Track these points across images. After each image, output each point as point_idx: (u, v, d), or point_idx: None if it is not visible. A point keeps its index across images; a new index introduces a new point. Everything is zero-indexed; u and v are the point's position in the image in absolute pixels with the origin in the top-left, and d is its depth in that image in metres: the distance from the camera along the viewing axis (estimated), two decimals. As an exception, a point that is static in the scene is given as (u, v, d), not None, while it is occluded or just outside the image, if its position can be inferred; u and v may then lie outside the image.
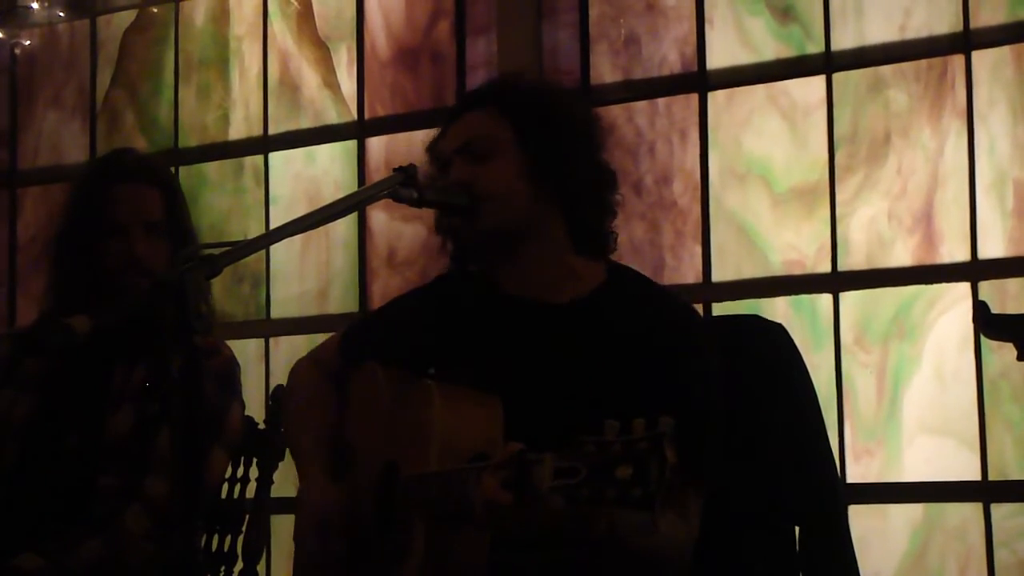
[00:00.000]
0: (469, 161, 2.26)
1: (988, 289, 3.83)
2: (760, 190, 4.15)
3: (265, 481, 2.86)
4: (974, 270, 3.85)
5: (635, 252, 4.22)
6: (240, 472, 2.90)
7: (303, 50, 4.88)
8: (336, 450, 2.36)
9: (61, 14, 5.13)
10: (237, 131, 4.96)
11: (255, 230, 4.82)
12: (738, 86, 4.20)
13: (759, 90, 4.18)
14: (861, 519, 3.84)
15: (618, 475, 1.68)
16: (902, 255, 3.96)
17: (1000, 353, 3.75)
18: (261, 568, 2.86)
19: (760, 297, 4.09)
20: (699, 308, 4.12)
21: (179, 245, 2.72)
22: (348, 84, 4.78)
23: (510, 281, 2.30)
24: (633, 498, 1.67)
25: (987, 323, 2.78)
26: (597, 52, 4.40)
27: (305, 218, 2.03)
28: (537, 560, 2.10)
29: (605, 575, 2.09)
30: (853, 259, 4.01)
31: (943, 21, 3.96)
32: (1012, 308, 3.75)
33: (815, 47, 4.11)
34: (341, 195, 2.19)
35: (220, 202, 4.96)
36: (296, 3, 4.91)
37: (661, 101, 4.31)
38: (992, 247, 3.85)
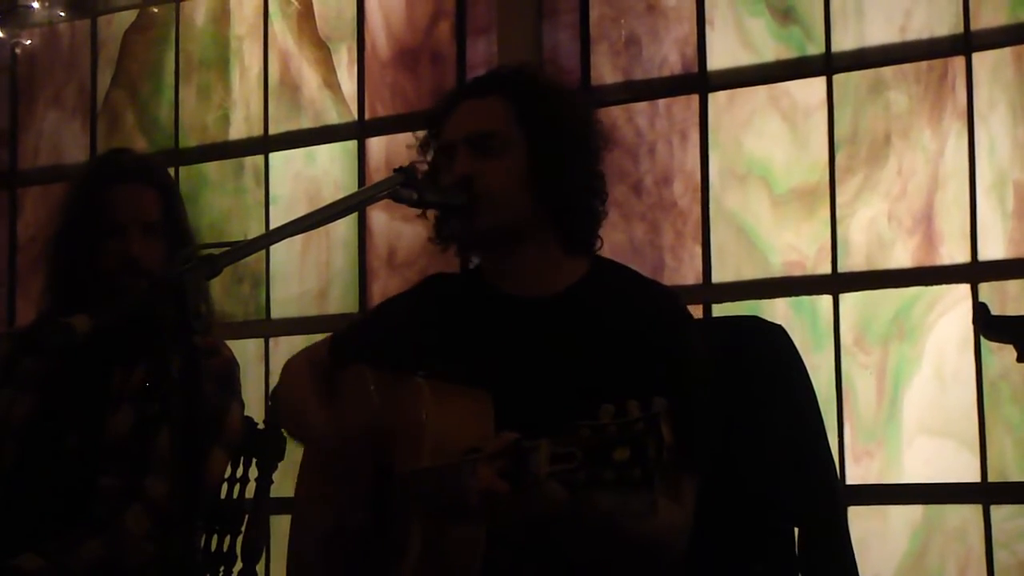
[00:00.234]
0: (476, 154, 2.26)
1: (988, 291, 3.83)
2: (760, 191, 4.15)
3: (264, 481, 2.86)
4: (974, 271, 3.85)
5: (635, 253, 4.22)
6: (240, 472, 2.90)
7: (303, 50, 4.88)
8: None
9: (62, 14, 5.13)
10: (237, 131, 4.96)
11: (255, 230, 4.82)
12: (738, 87, 4.20)
13: (760, 91, 4.18)
14: (861, 520, 3.84)
15: (615, 457, 1.69)
16: (902, 256, 3.96)
17: (1000, 354, 3.74)
18: (260, 568, 2.86)
19: (760, 298, 4.09)
20: (699, 309, 4.13)
21: (177, 245, 2.72)
22: (348, 84, 4.78)
23: (498, 278, 2.31)
24: (632, 479, 1.67)
25: (987, 324, 2.78)
26: (597, 53, 4.40)
27: (305, 218, 2.03)
28: (535, 561, 2.10)
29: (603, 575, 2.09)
30: (853, 260, 4.01)
31: (943, 22, 3.96)
32: (1012, 310, 3.75)
33: (815, 48, 4.11)
34: (341, 195, 2.19)
35: (220, 202, 4.96)
36: (296, 3, 4.91)
37: (661, 102, 4.30)
38: (992, 248, 3.85)
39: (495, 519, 1.96)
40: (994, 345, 3.58)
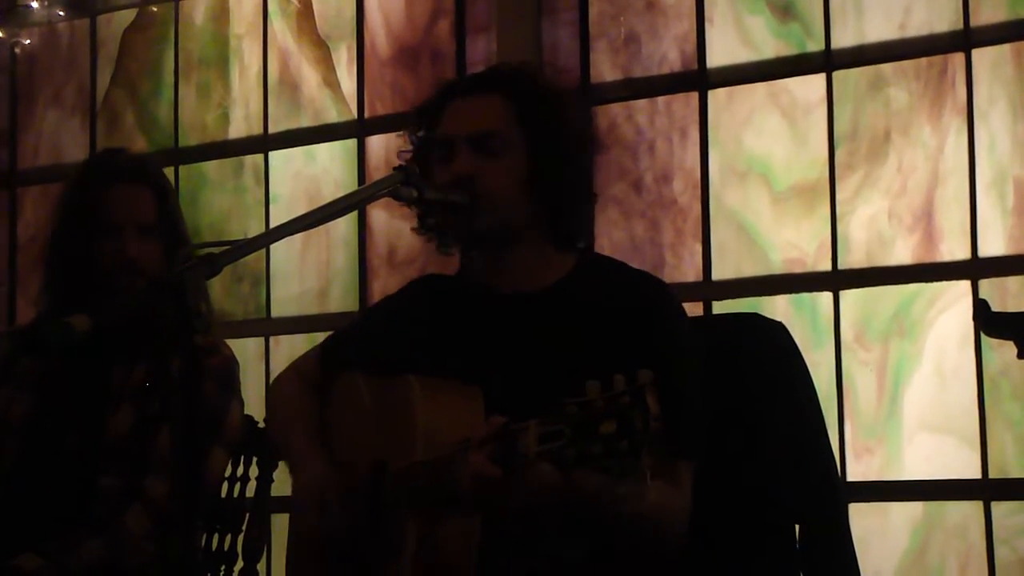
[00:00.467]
0: (477, 153, 2.25)
1: (988, 287, 3.83)
2: (760, 188, 4.15)
3: (265, 480, 2.86)
4: (974, 268, 3.85)
5: (635, 250, 4.22)
6: (240, 471, 2.90)
7: (303, 49, 4.88)
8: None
9: (61, 13, 5.13)
10: (237, 130, 4.96)
11: (255, 229, 4.82)
12: (738, 84, 4.20)
13: (759, 88, 4.17)
14: (861, 517, 3.84)
15: (603, 431, 1.70)
16: (902, 253, 3.95)
17: (1000, 351, 3.75)
18: (261, 567, 2.86)
19: (760, 295, 4.09)
20: (699, 307, 4.14)
21: (172, 246, 2.71)
22: (348, 83, 4.78)
23: (491, 276, 2.31)
24: (620, 451, 1.68)
25: (987, 321, 2.78)
26: (597, 50, 4.40)
27: (305, 217, 2.03)
28: (530, 556, 2.10)
29: (599, 572, 2.09)
30: (853, 257, 4.01)
31: (943, 19, 3.96)
32: (1012, 306, 3.75)
33: (815, 45, 4.11)
34: (341, 194, 2.19)
35: (220, 201, 4.96)
36: (296, 2, 4.91)
37: (661, 99, 4.30)
38: (992, 245, 3.85)
39: (488, 505, 1.96)
40: (994, 342, 3.59)
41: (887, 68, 4.02)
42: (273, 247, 4.53)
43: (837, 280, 4.01)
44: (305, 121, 4.84)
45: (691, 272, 4.20)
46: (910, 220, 3.96)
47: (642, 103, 4.32)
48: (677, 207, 4.25)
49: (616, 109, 4.34)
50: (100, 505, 2.64)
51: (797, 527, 2.37)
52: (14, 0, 5.07)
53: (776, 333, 2.45)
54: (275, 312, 4.81)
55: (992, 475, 3.80)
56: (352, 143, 4.74)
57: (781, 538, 2.36)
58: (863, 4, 4.06)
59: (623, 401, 1.69)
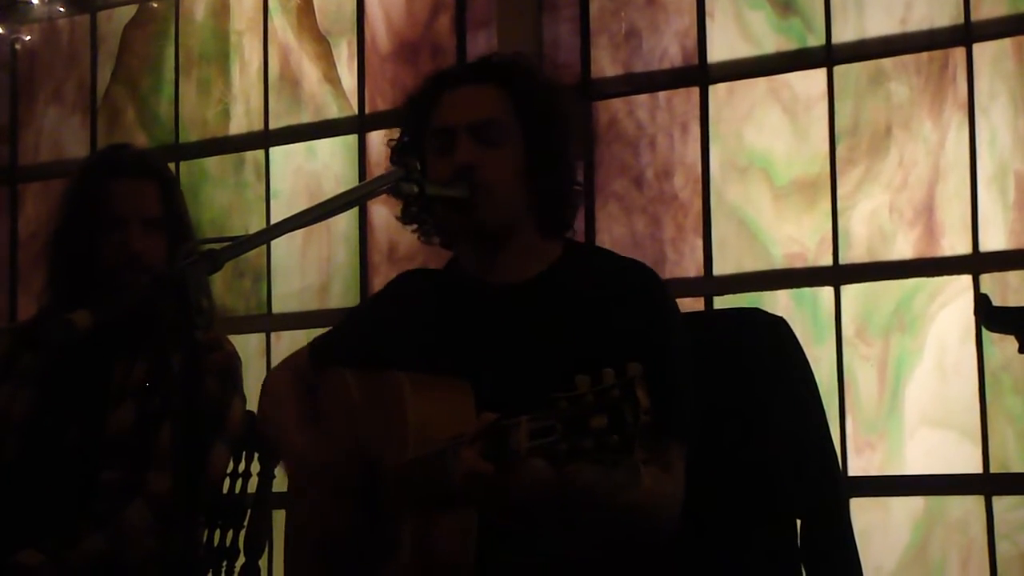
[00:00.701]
0: (478, 143, 2.25)
1: (989, 282, 3.83)
2: (761, 183, 4.15)
3: (267, 476, 2.86)
4: (975, 263, 3.85)
5: (636, 246, 4.22)
6: (242, 467, 2.90)
7: (303, 45, 4.88)
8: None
9: (61, 9, 5.12)
10: (238, 126, 4.96)
11: (256, 225, 4.82)
12: (739, 79, 4.20)
13: (760, 83, 4.17)
14: (863, 512, 3.84)
15: (594, 425, 1.70)
16: (903, 248, 3.95)
17: (1001, 346, 3.75)
18: (263, 563, 2.86)
19: (761, 290, 4.09)
20: (700, 302, 4.14)
21: (177, 240, 2.71)
22: (349, 78, 4.78)
23: (482, 268, 2.31)
24: (612, 445, 1.68)
25: (988, 316, 2.78)
26: (598, 46, 4.40)
27: (306, 213, 2.03)
28: (527, 552, 2.10)
29: (591, 563, 2.09)
30: (854, 252, 4.01)
31: (944, 13, 3.96)
32: (1013, 301, 3.75)
33: (816, 40, 4.11)
34: (342, 190, 2.19)
35: (221, 197, 4.96)
36: (296, -2, 4.91)
37: (662, 95, 4.30)
38: (993, 240, 3.85)
39: (482, 502, 1.96)
40: (995, 336, 3.59)
41: (888, 63, 4.02)
42: (274, 243, 4.54)
43: (838, 275, 4.01)
44: (306, 117, 4.84)
45: (692, 267, 4.20)
46: (911, 215, 3.96)
47: (643, 98, 4.32)
48: (678, 202, 4.25)
49: (617, 104, 4.34)
50: (101, 501, 2.64)
51: (798, 522, 2.38)
52: (14, -4, 5.07)
53: (777, 328, 2.45)
54: (276, 308, 4.81)
55: (993, 470, 3.80)
56: (353, 139, 4.74)
57: (782, 533, 2.36)
58: (864, -1, 4.06)
59: (613, 395, 1.70)
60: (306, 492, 2.30)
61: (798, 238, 4.09)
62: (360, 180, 4.64)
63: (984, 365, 3.81)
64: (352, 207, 2.11)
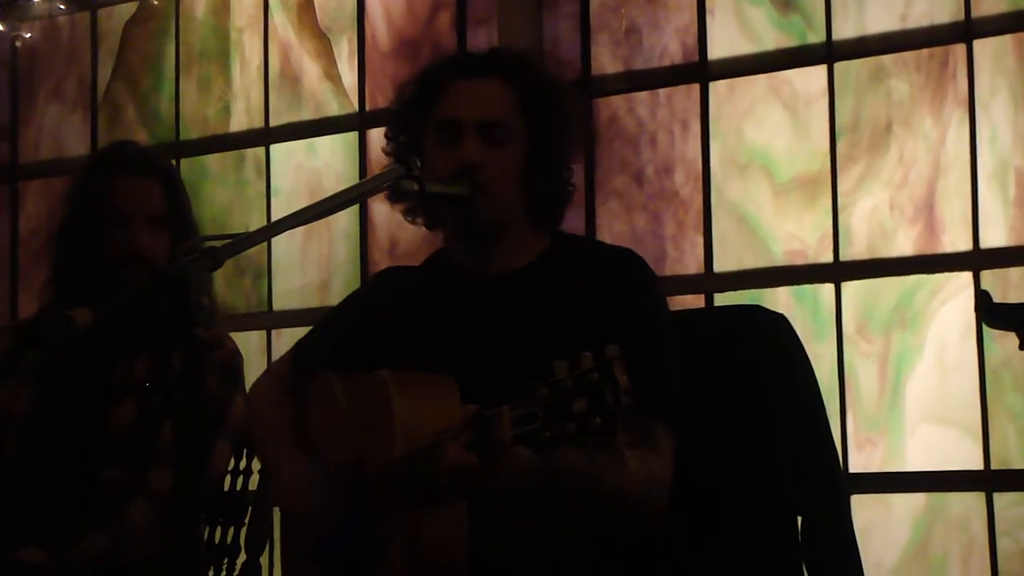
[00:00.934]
0: (485, 141, 2.24)
1: (990, 278, 3.83)
2: (762, 180, 4.15)
3: (268, 473, 2.86)
4: (976, 259, 3.85)
5: (637, 243, 4.21)
6: (243, 464, 2.90)
7: (304, 42, 4.88)
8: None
9: (62, 7, 5.12)
10: (238, 123, 4.96)
11: (257, 222, 4.82)
12: (739, 76, 4.20)
13: (760, 80, 4.17)
14: (863, 509, 3.84)
15: (575, 409, 1.70)
16: (904, 245, 3.95)
17: (1002, 342, 3.75)
18: (264, 560, 2.86)
19: (762, 287, 4.09)
20: (701, 299, 4.14)
21: (181, 237, 2.71)
22: (349, 76, 4.78)
23: (475, 262, 2.31)
24: (594, 427, 1.69)
25: (989, 312, 2.78)
26: (598, 43, 4.40)
27: (307, 210, 2.03)
28: (520, 545, 2.10)
29: (587, 554, 2.09)
30: (855, 249, 4.01)
31: (944, 10, 3.96)
32: (1014, 297, 3.75)
33: (816, 36, 4.11)
34: (342, 187, 2.18)
35: (221, 194, 4.96)
36: (296, -5, 4.91)
37: (662, 91, 4.30)
38: (994, 236, 3.85)
39: (470, 495, 1.96)
40: (996, 333, 3.58)
41: (888, 59, 4.02)
42: (275, 240, 4.54)
43: (838, 272, 4.01)
44: (306, 114, 4.84)
45: (693, 264, 4.21)
46: (911, 211, 3.96)
47: (643, 95, 4.32)
48: (678, 199, 4.25)
49: (617, 101, 4.34)
50: (103, 498, 2.64)
51: (799, 519, 2.38)
52: (15, -6, 5.07)
53: (778, 325, 2.45)
54: (277, 305, 4.81)
55: (994, 466, 3.80)
56: (353, 136, 4.74)
57: (783, 530, 2.36)
58: (864, -5, 4.06)
59: (592, 378, 1.70)
60: (294, 517, 2.30)
61: (799, 235, 4.09)
62: (360, 177, 4.64)
63: (985, 362, 3.81)
64: (353, 204, 2.11)
